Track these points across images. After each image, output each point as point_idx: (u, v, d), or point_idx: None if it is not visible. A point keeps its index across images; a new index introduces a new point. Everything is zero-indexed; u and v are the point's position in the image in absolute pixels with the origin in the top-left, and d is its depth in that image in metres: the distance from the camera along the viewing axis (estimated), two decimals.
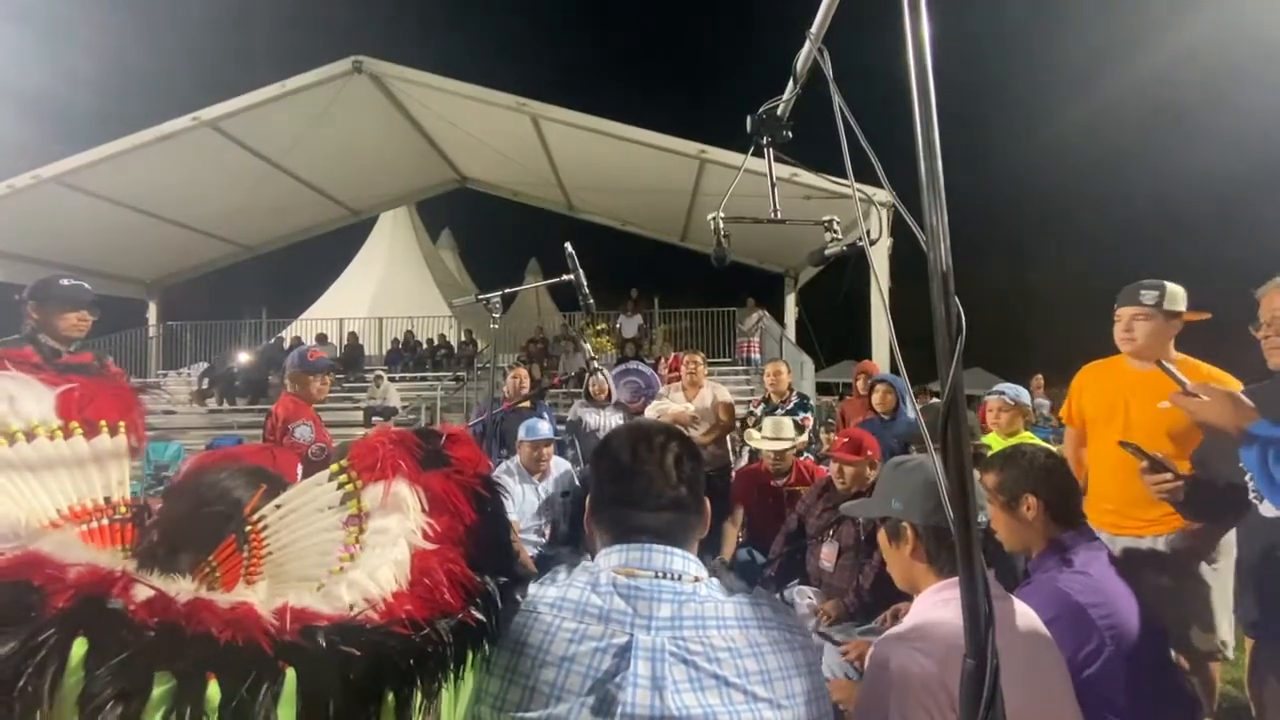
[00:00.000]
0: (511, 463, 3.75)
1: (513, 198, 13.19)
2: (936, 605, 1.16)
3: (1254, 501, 1.61)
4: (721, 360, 12.77)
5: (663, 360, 9.39)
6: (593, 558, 0.98)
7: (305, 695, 0.59)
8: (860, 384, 5.08)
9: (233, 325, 14.86)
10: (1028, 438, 3.02)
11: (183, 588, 0.63)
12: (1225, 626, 2.06)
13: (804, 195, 7.17)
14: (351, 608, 0.67)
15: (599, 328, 14.53)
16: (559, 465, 3.87)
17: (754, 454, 4.28)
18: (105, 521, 0.87)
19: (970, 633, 0.68)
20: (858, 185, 1.08)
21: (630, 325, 12.91)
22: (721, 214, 1.72)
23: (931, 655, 1.03)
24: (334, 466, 0.85)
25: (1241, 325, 1.77)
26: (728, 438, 4.64)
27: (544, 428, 3.70)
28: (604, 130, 8.78)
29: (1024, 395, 3.20)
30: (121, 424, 0.95)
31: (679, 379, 4.60)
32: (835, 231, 1.78)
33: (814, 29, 1.35)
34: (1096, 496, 2.35)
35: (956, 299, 0.70)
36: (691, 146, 8.57)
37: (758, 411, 4.79)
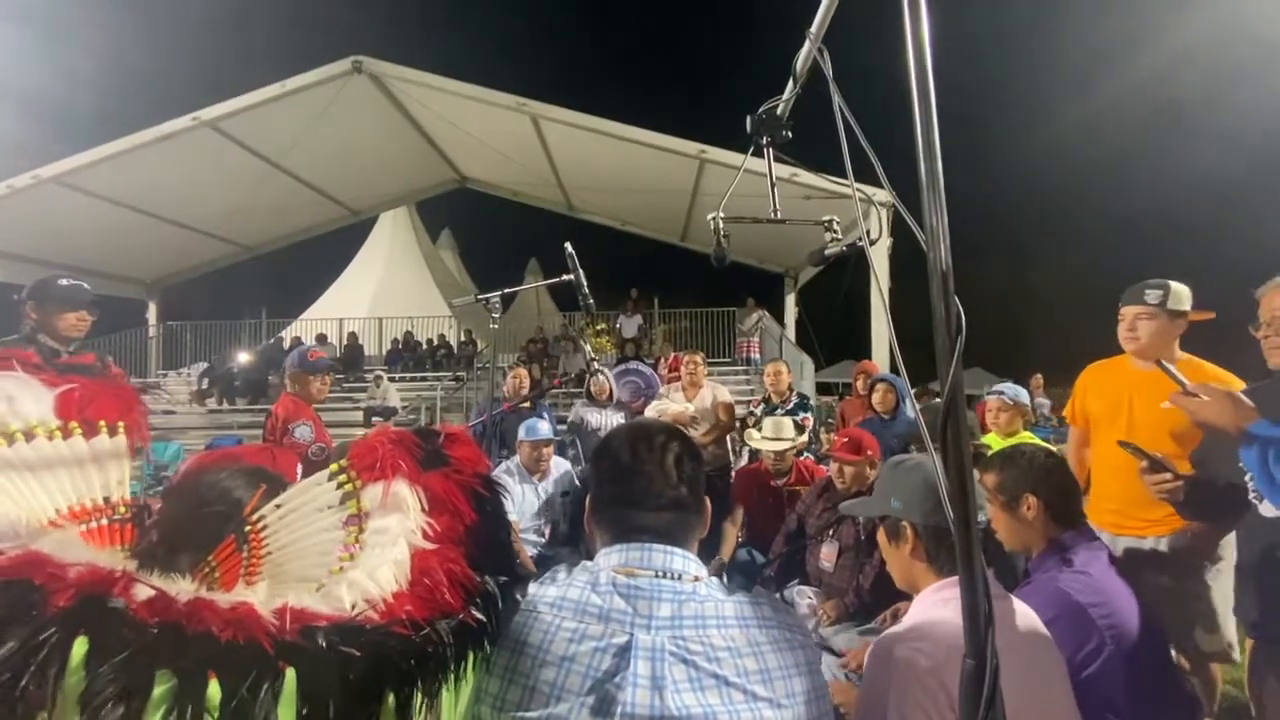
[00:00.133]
0: (511, 463, 3.75)
1: (513, 198, 13.19)
2: (936, 605, 1.16)
3: (1254, 501, 1.61)
4: (721, 360, 12.77)
5: (663, 360, 9.39)
6: (592, 558, 0.98)
7: (305, 695, 0.59)
8: (860, 384, 5.08)
9: (233, 325, 14.86)
10: (1027, 437, 3.02)
11: (183, 587, 0.63)
12: (1231, 628, 2.06)
13: (804, 195, 7.17)
14: (351, 608, 0.67)
15: (599, 328, 14.53)
16: (559, 465, 3.88)
17: (754, 454, 4.28)
18: (105, 521, 0.87)
19: (970, 632, 0.68)
20: (858, 185, 1.08)
21: (630, 325, 12.91)
22: (721, 214, 1.72)
23: (931, 655, 1.03)
24: (333, 466, 0.85)
25: (1241, 325, 1.77)
26: (728, 438, 4.64)
27: (544, 428, 3.70)
28: (604, 130, 8.78)
29: (1023, 395, 3.20)
30: (121, 424, 0.95)
31: (679, 379, 4.60)
32: (835, 231, 1.78)
33: (814, 29, 1.35)
34: (1099, 496, 2.35)
35: (956, 299, 0.70)
36: (691, 146, 8.57)
37: (758, 411, 4.79)
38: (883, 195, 1.08)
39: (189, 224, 11.33)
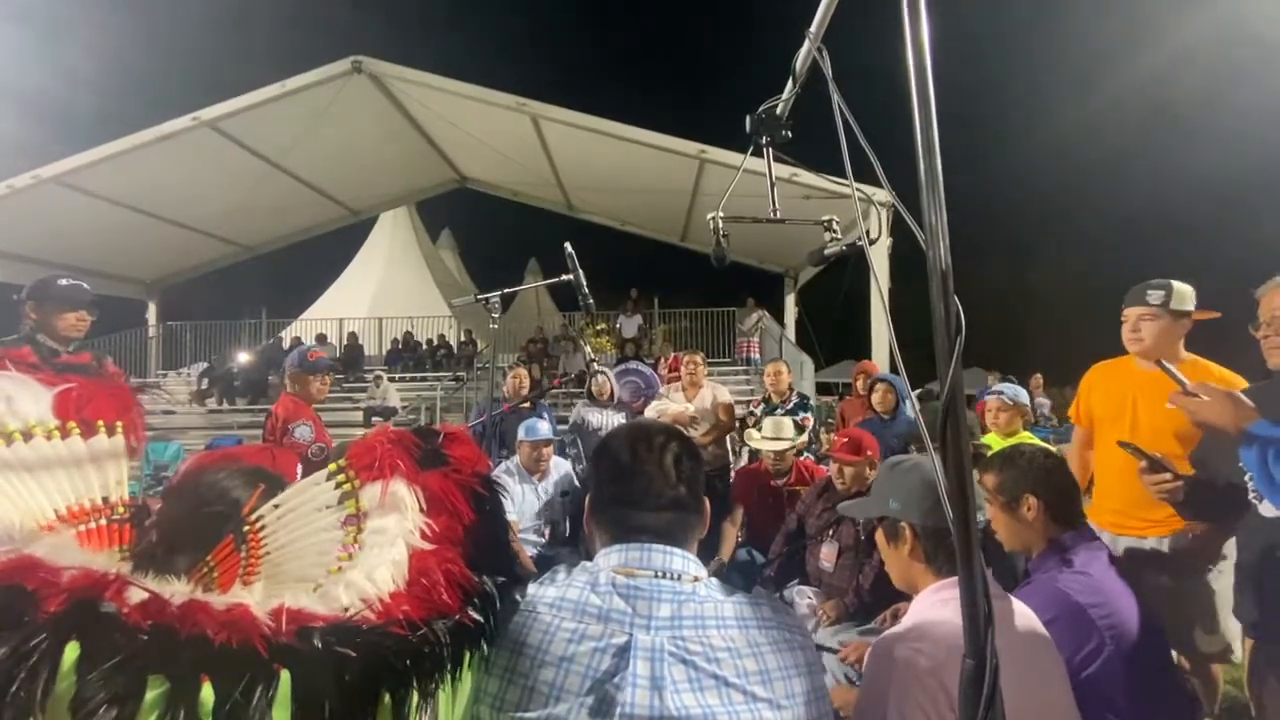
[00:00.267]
0: (511, 463, 3.75)
1: (512, 198, 13.19)
2: (935, 605, 1.16)
3: (1254, 501, 1.61)
4: (721, 360, 12.77)
5: (662, 360, 9.40)
6: (592, 558, 0.98)
7: (301, 697, 0.59)
8: (860, 384, 5.08)
9: (233, 325, 14.87)
10: (1027, 438, 3.02)
11: (178, 589, 0.63)
12: (1232, 628, 2.05)
13: (804, 195, 7.17)
14: (348, 609, 0.67)
15: (599, 328, 14.53)
16: (559, 465, 3.87)
17: (754, 454, 4.28)
18: (103, 522, 0.86)
19: (969, 633, 0.68)
20: (857, 185, 1.08)
21: (630, 325, 12.91)
22: (721, 214, 1.72)
23: (931, 655, 1.03)
24: (332, 466, 0.84)
25: (1241, 325, 1.77)
26: (727, 438, 4.64)
27: (543, 428, 3.70)
28: (604, 130, 8.78)
29: (1022, 395, 3.20)
30: (119, 424, 0.95)
31: (679, 379, 4.60)
32: (835, 231, 1.78)
33: (813, 28, 1.35)
34: (1102, 496, 2.35)
35: (956, 299, 0.70)
36: (691, 146, 8.57)
37: (758, 411, 4.79)
38: (882, 195, 1.08)
39: (189, 224, 11.32)
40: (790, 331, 12.74)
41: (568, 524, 3.76)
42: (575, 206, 12.80)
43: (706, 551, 1.08)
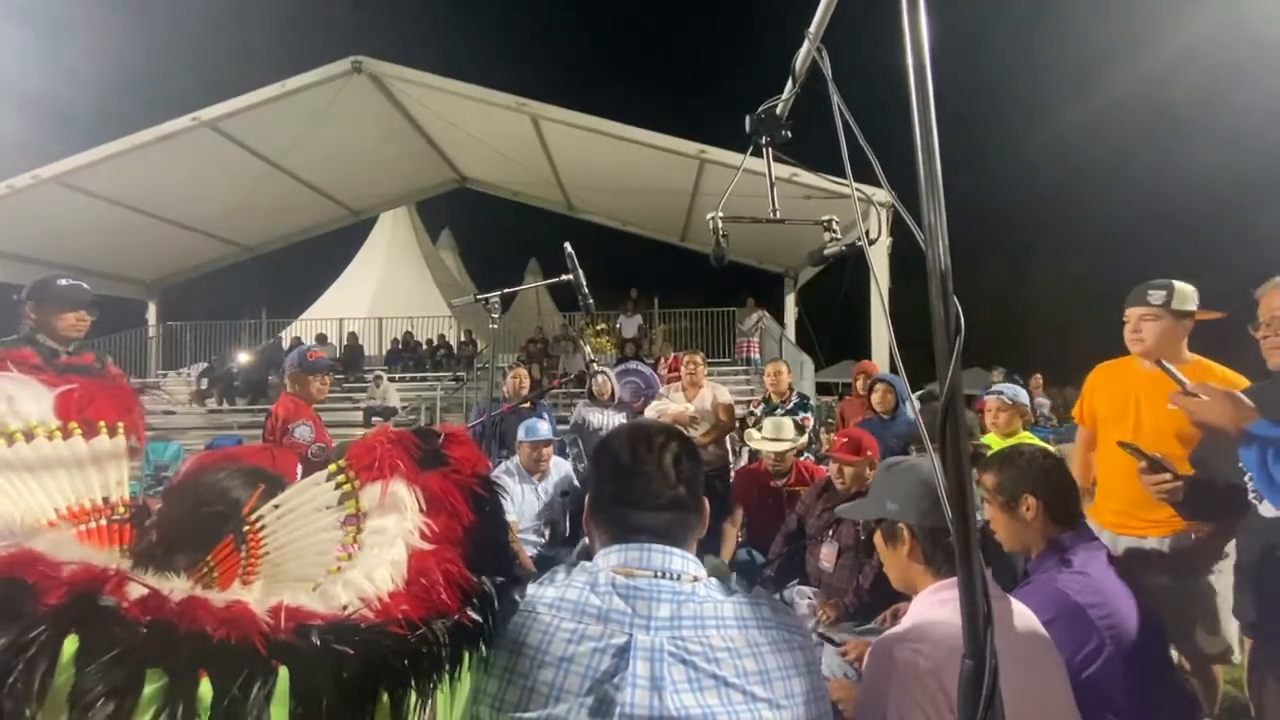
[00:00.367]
0: (511, 463, 3.75)
1: (512, 198, 13.19)
2: (934, 605, 1.16)
3: (1253, 501, 1.61)
4: (721, 360, 12.77)
5: (662, 360, 9.39)
6: (591, 558, 0.98)
7: (299, 694, 0.59)
8: (860, 384, 5.08)
9: (233, 325, 14.87)
10: (1027, 438, 3.02)
11: (177, 586, 0.63)
12: (1233, 629, 2.05)
13: (803, 195, 7.17)
14: (346, 607, 0.67)
15: (599, 328, 14.54)
16: (559, 465, 3.87)
17: (754, 454, 4.29)
18: (103, 522, 0.86)
19: (969, 633, 0.68)
20: (857, 185, 1.08)
21: (630, 325, 12.91)
22: (720, 214, 1.72)
23: (930, 656, 1.03)
24: (331, 466, 0.85)
25: (1241, 325, 1.77)
26: (727, 438, 4.64)
27: (543, 428, 3.70)
28: (604, 130, 8.78)
29: (1022, 395, 3.20)
30: (120, 425, 0.95)
31: (679, 379, 4.60)
32: (834, 231, 1.78)
33: (812, 28, 1.35)
34: (1104, 496, 2.34)
35: (955, 299, 0.70)
36: (691, 146, 8.57)
37: (758, 411, 4.79)
38: (882, 195, 1.08)
39: (189, 224, 11.32)
40: (790, 331, 12.74)
41: (568, 524, 3.76)
42: (575, 206, 12.80)
43: (706, 552, 1.08)
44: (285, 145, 9.78)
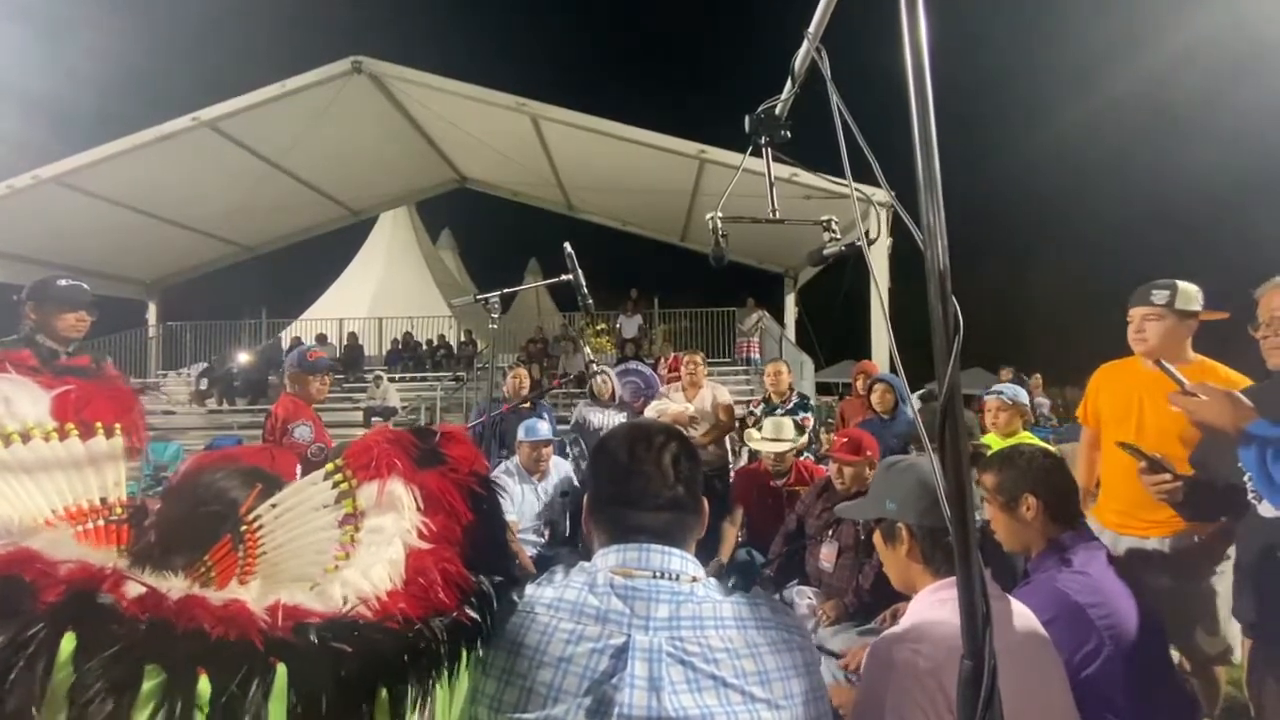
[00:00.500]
0: (511, 463, 3.75)
1: (512, 198, 13.19)
2: (934, 605, 1.16)
3: (1253, 501, 1.61)
4: (721, 360, 12.77)
5: (662, 360, 9.40)
6: (591, 558, 0.98)
7: (298, 691, 0.59)
8: (860, 384, 5.08)
9: (233, 325, 14.87)
10: (1027, 438, 3.02)
11: (175, 584, 0.63)
12: (1234, 630, 2.05)
13: (803, 195, 7.17)
14: (344, 604, 0.67)
15: (599, 328, 14.54)
16: (559, 465, 3.87)
17: (754, 454, 4.29)
18: (100, 523, 0.86)
19: (968, 633, 0.68)
20: (856, 185, 1.08)
21: (630, 325, 12.90)
22: (720, 214, 1.72)
23: (930, 656, 1.03)
24: (329, 466, 0.84)
25: (1241, 325, 1.77)
26: (727, 438, 4.64)
27: (543, 428, 3.70)
28: (604, 130, 8.78)
29: (1022, 395, 3.20)
30: (118, 425, 0.95)
31: (679, 379, 4.60)
32: (834, 231, 1.78)
33: (812, 28, 1.35)
34: (1107, 497, 2.34)
35: (954, 299, 0.70)
36: (691, 146, 8.57)
37: (758, 411, 4.79)
38: (881, 195, 1.09)
39: (189, 224, 11.33)
40: (790, 331, 12.75)
41: (568, 524, 3.76)
42: (575, 206, 12.80)
43: (706, 552, 1.08)
44: (285, 145, 9.78)
